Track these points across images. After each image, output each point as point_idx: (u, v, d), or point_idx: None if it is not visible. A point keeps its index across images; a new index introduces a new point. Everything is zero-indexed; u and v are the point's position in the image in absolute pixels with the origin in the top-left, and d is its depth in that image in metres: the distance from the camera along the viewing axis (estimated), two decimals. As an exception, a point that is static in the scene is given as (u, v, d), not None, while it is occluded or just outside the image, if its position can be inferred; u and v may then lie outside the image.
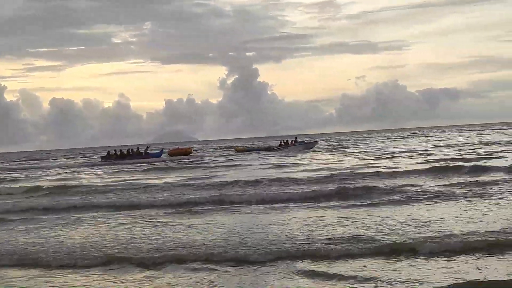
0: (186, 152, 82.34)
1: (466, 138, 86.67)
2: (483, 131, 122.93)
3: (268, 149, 78.85)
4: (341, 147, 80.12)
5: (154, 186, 29.05)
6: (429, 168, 30.63)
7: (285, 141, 78.93)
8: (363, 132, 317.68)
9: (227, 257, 11.79)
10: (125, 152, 74.11)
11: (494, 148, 50.45)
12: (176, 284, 10.33)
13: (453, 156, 41.90)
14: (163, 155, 76.71)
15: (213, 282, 10.31)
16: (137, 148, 77.15)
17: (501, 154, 40.69)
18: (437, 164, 32.75)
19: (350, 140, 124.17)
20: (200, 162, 56.98)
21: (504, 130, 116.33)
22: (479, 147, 54.53)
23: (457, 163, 33.13)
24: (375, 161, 42.18)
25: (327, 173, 31.56)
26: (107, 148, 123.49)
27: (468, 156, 40.66)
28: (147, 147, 79.01)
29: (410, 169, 31.34)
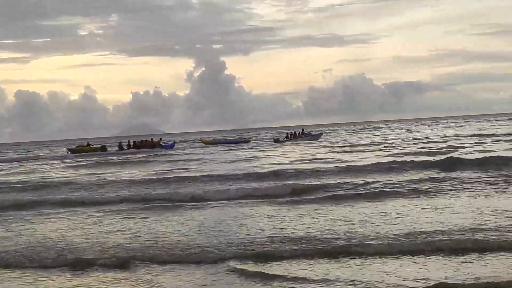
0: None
1: (429, 131, 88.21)
2: (447, 124, 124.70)
3: (277, 140, 78.63)
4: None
5: (116, 182, 27.97)
6: (390, 161, 29.63)
7: (292, 133, 79.06)
8: (331, 125, 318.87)
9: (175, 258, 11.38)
10: (138, 144, 74.05)
11: (454, 142, 51.22)
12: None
13: (413, 150, 42.58)
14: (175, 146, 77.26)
15: (152, 281, 9.97)
16: (151, 139, 77.26)
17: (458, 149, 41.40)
18: (398, 159, 32.11)
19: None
20: (164, 155, 56.32)
21: (470, 123, 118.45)
22: (443, 140, 55.20)
23: (412, 157, 32.81)
24: (338, 155, 42.24)
25: (286, 167, 30.91)
26: (73, 141, 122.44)
27: (427, 150, 41.10)
28: (160, 138, 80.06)
29: (369, 163, 30.57)
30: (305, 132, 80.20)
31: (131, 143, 74.60)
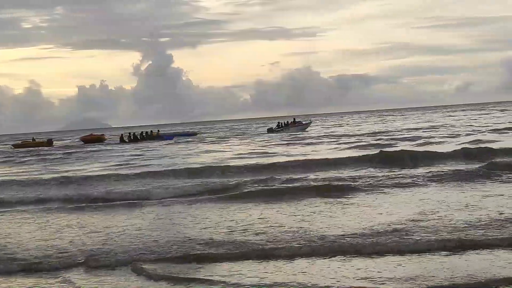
0: (101, 139, 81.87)
1: (370, 123, 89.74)
2: (392, 116, 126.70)
3: (270, 130, 78.50)
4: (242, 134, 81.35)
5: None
6: (319, 160, 27.55)
7: (285, 122, 79.72)
8: (279, 117, 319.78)
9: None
10: (138, 136, 73.98)
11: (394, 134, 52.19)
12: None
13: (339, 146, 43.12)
14: (174, 138, 76.76)
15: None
16: (151, 131, 77.00)
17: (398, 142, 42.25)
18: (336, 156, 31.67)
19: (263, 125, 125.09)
20: (109, 150, 55.57)
21: (418, 115, 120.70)
22: (372, 134, 55.85)
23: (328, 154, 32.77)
24: (264, 148, 42.00)
25: (220, 163, 30.14)
26: (19, 136, 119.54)
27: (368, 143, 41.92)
28: (158, 131, 79.73)
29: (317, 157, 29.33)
30: (296, 121, 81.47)
31: (132, 136, 74.35)
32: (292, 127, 77.14)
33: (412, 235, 10.80)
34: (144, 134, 74.95)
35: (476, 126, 55.71)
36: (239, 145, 50.77)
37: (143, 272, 9.63)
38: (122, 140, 73.91)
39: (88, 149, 61.15)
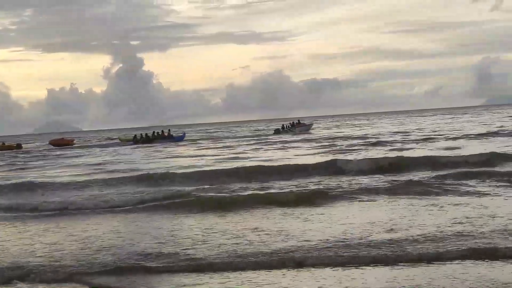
0: (69, 143, 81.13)
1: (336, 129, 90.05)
2: (365, 121, 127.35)
3: (277, 131, 79.83)
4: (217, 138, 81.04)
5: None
6: (281, 166, 26.20)
7: (291, 123, 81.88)
8: (249, 122, 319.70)
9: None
10: (151, 136, 73.97)
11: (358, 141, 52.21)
12: None
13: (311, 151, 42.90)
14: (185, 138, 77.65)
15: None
16: (162, 131, 76.33)
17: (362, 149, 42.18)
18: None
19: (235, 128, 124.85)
20: (77, 157, 53.51)
21: (385, 119, 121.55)
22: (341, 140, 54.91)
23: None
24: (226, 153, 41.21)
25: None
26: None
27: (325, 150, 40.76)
28: (169, 130, 78.88)
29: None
30: (300, 122, 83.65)
31: (144, 136, 74.32)
32: (297, 127, 79.80)
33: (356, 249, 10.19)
34: (155, 134, 75.09)
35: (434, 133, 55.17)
36: (221, 148, 49.92)
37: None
38: (135, 141, 74.19)
39: (56, 153, 60.34)
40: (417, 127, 71.16)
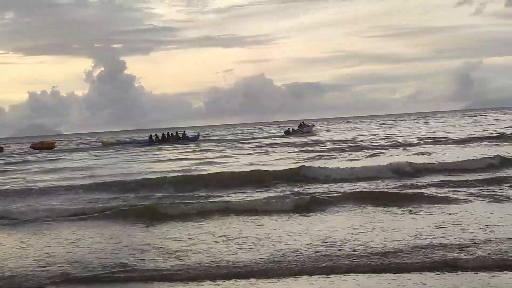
0: (50, 146, 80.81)
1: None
2: (347, 125, 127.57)
3: (287, 132, 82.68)
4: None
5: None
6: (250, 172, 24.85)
7: (300, 123, 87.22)
8: (232, 125, 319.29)
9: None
10: (166, 136, 75.80)
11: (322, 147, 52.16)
12: None
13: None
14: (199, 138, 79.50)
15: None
16: (176, 132, 78.32)
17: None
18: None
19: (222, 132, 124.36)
20: (53, 160, 52.92)
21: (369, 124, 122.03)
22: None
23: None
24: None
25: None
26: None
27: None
28: (184, 131, 79.81)
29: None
30: (304, 124, 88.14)
31: (160, 136, 76.10)
32: (305, 128, 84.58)
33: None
34: (171, 135, 76.75)
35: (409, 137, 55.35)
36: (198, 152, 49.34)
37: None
38: (151, 140, 75.25)
39: (37, 156, 59.95)
40: (404, 132, 71.40)
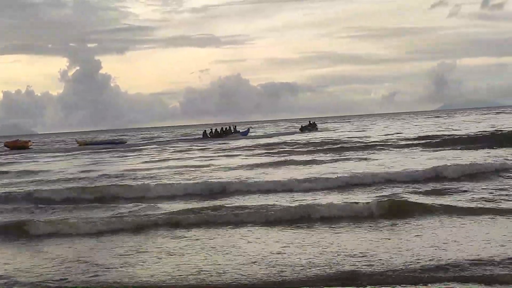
0: (24, 146, 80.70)
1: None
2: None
3: (302, 129, 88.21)
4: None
5: None
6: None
7: (310, 123, 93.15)
8: (208, 125, 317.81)
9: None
10: (220, 131, 79.02)
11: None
12: None
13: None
14: (249, 133, 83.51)
15: None
16: (229, 127, 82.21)
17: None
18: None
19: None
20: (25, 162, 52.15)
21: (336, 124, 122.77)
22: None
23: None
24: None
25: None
26: None
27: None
28: (235, 126, 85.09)
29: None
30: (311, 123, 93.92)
31: (213, 131, 79.45)
32: (313, 127, 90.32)
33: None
34: (223, 130, 79.93)
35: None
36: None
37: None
38: (205, 135, 78.28)
39: (11, 156, 59.68)
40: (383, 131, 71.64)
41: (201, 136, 79.87)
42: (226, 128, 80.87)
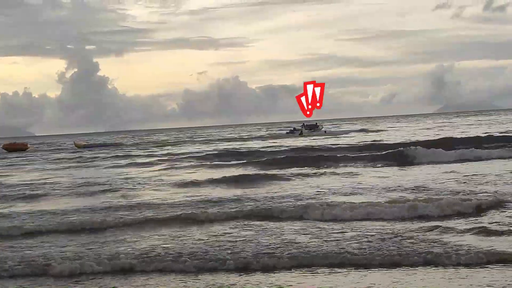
0: (23, 148, 79.95)
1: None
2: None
3: (312, 127, 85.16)
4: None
5: None
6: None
7: (314, 124, 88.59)
8: (206, 127, 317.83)
9: None
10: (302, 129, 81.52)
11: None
12: None
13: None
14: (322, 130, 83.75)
15: None
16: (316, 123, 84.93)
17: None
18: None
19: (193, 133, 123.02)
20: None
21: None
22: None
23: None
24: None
25: None
26: None
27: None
28: (316, 123, 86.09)
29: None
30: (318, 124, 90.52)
31: (295, 129, 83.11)
32: (317, 127, 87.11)
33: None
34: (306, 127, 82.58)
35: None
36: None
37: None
38: (296, 131, 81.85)
39: (9, 157, 58.89)
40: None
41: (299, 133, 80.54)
42: (312, 125, 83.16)
